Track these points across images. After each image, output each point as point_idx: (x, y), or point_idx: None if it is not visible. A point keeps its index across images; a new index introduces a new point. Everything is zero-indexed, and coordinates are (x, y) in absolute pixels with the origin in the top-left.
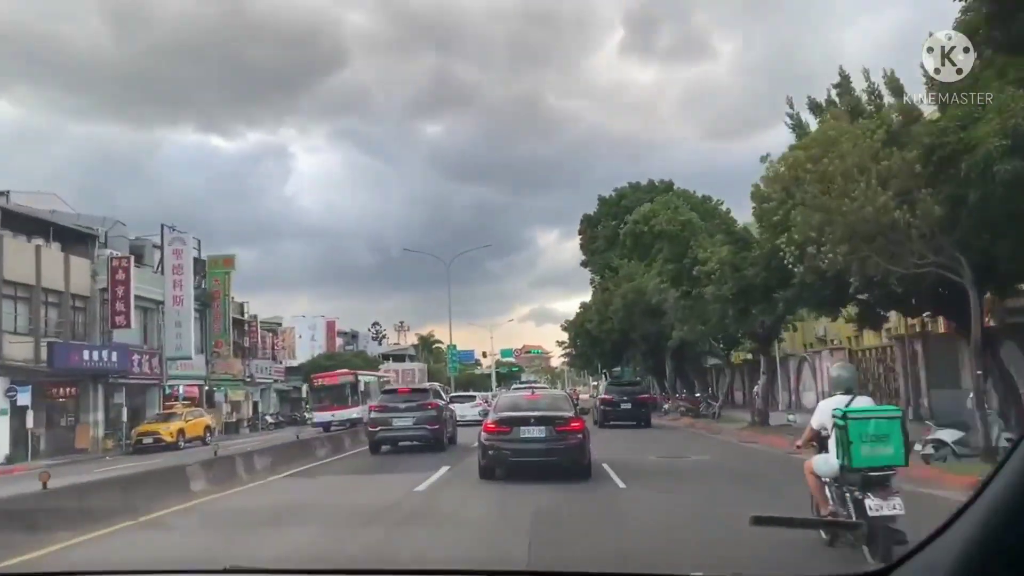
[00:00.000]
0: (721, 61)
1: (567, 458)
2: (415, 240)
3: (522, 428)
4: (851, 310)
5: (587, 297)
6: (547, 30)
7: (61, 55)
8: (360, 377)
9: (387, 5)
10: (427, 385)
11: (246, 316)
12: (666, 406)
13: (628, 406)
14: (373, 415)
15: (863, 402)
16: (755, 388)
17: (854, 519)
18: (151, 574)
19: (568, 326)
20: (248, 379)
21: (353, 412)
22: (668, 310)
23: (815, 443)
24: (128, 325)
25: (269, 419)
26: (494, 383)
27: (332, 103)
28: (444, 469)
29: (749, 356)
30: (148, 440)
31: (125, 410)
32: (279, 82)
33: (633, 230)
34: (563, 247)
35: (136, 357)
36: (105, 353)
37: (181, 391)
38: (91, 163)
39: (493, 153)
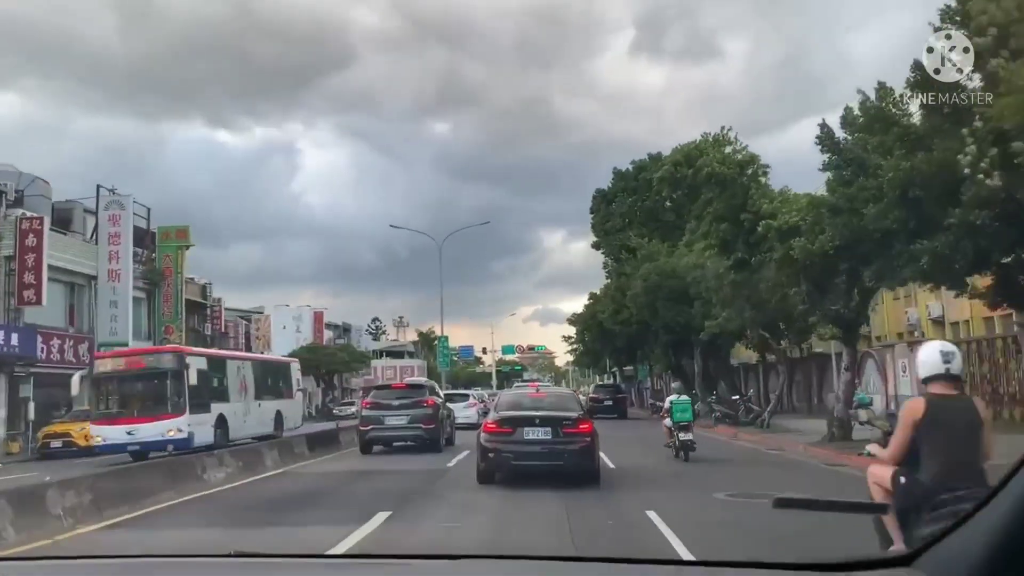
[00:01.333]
0: (731, 63)
1: (574, 462)
2: (419, 239)
3: (525, 429)
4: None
5: (596, 292)
6: (556, 30)
7: (70, 49)
8: (193, 362)
9: (395, 3)
10: (423, 381)
11: (209, 300)
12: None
13: (610, 403)
14: (365, 413)
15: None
16: (834, 389)
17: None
18: None
19: (575, 319)
20: None
21: (173, 426)
22: (706, 292)
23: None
24: (39, 302)
25: None
26: (494, 382)
27: (339, 100)
28: (381, 517)
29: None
30: (57, 444)
31: (32, 406)
32: (287, 78)
33: (671, 175)
34: (568, 248)
35: (54, 342)
36: (4, 335)
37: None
38: (98, 157)
39: (500, 153)
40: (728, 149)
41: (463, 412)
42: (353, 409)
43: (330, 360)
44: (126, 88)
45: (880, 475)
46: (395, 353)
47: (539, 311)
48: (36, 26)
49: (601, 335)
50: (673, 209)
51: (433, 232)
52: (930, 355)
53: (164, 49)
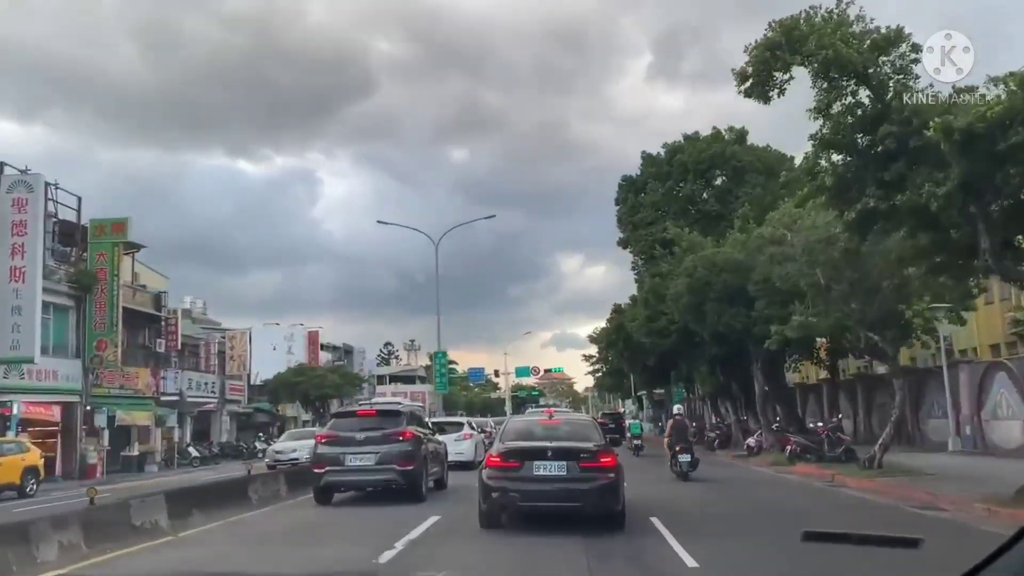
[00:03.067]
0: None
1: (594, 503)
2: (434, 262)
3: (536, 463)
4: None
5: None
6: (574, 55)
7: (95, 80)
8: None
9: (415, 31)
10: (400, 405)
11: (164, 312)
12: (750, 441)
13: (612, 426)
14: (319, 449)
15: None
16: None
17: None
18: None
19: (598, 336)
20: (169, 396)
21: None
22: (784, 280)
23: None
24: None
25: (193, 451)
26: (508, 407)
27: (359, 128)
28: None
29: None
30: None
31: None
32: (307, 107)
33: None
34: (586, 272)
35: None
36: None
37: (16, 410)
38: (121, 186)
39: (517, 177)
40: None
41: (456, 446)
42: (294, 451)
43: (319, 383)
44: (149, 118)
45: None
46: (404, 378)
47: (557, 336)
48: (62, 58)
49: (629, 352)
50: (716, 195)
51: (455, 256)
52: None
53: (186, 79)
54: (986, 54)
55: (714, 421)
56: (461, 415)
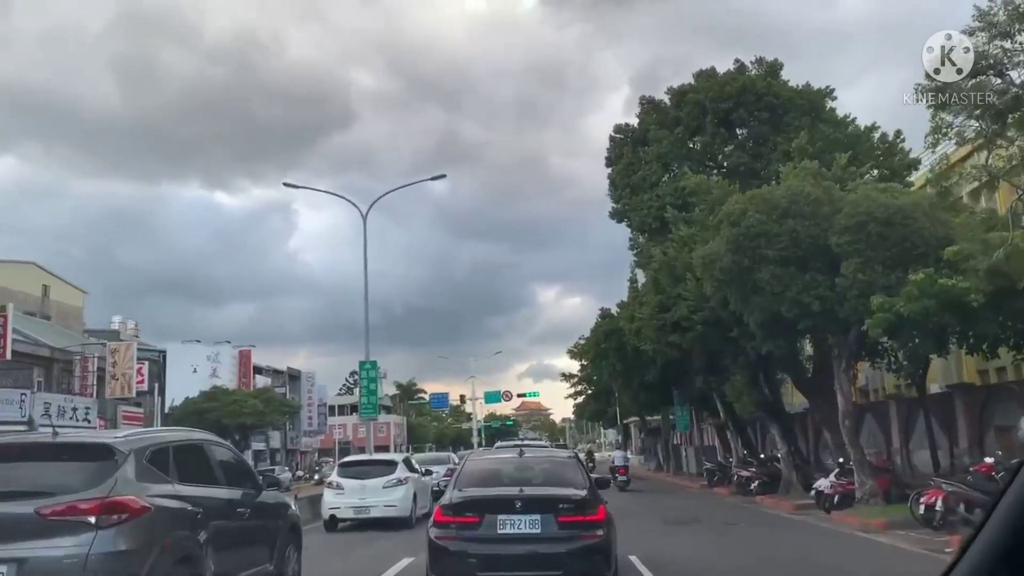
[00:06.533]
0: None
1: (578, 570)
2: (416, 298)
3: (501, 517)
4: None
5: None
6: (552, 89)
7: (70, 112)
8: None
9: (395, 65)
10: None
11: None
12: (823, 484)
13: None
14: None
15: None
16: None
17: None
18: None
19: (583, 348)
20: (5, 425)
21: None
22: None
23: None
24: None
25: None
26: (475, 440)
27: (338, 160)
28: None
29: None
30: None
31: None
32: (286, 140)
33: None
34: (563, 304)
35: None
36: None
37: None
38: (97, 218)
39: (496, 210)
40: None
41: (383, 495)
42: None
43: (235, 411)
44: (125, 150)
45: None
46: None
47: (533, 367)
48: (37, 89)
49: (623, 365)
50: (746, 145)
51: (434, 288)
52: None
53: (164, 111)
54: None
55: (743, 455)
56: (431, 448)
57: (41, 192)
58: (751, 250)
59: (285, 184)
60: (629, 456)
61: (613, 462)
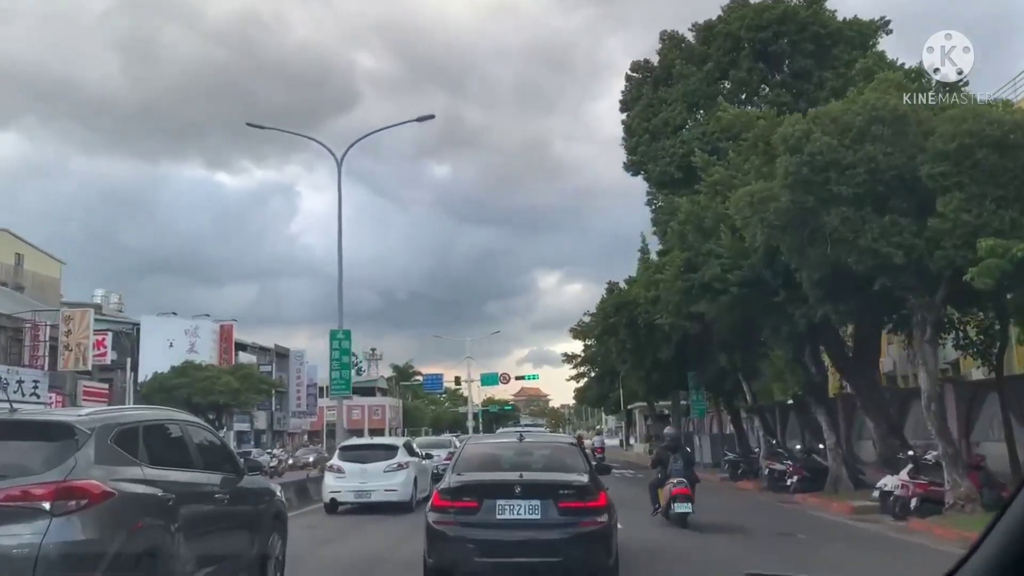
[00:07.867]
0: None
1: (579, 557)
2: (418, 283)
3: (500, 503)
4: None
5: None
6: (557, 74)
7: (73, 90)
8: None
9: (398, 47)
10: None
11: None
12: (886, 483)
13: None
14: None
15: None
16: None
17: None
18: None
19: (584, 329)
20: None
21: None
22: None
23: None
24: None
25: None
26: (471, 425)
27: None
28: None
29: None
30: None
31: None
32: (288, 121)
33: None
34: (563, 290)
35: None
36: None
37: None
38: (97, 197)
39: (499, 196)
40: None
41: (384, 479)
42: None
43: (206, 388)
44: (127, 129)
45: None
46: (365, 390)
47: (533, 352)
48: (39, 67)
49: (633, 342)
50: (787, 81)
51: (436, 273)
52: None
53: (166, 91)
54: None
55: (772, 444)
56: (427, 432)
57: (41, 169)
58: (817, 185)
59: (248, 124)
60: (605, 441)
61: (593, 445)
